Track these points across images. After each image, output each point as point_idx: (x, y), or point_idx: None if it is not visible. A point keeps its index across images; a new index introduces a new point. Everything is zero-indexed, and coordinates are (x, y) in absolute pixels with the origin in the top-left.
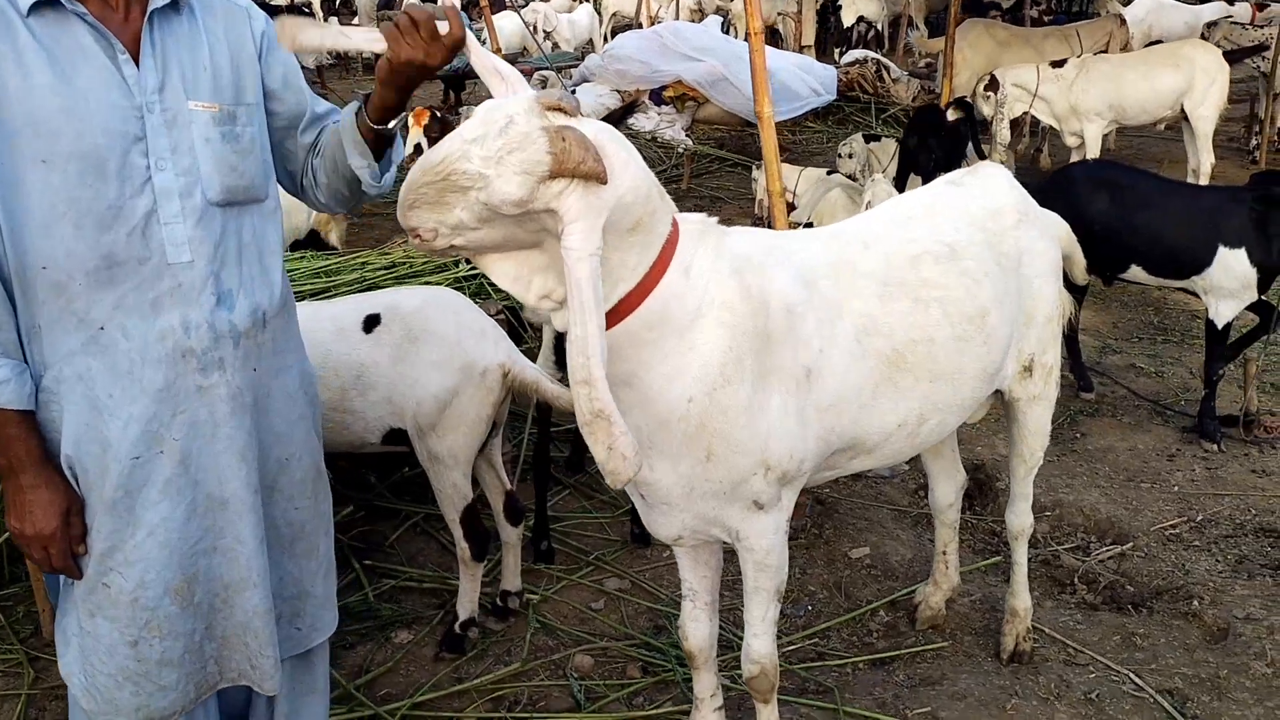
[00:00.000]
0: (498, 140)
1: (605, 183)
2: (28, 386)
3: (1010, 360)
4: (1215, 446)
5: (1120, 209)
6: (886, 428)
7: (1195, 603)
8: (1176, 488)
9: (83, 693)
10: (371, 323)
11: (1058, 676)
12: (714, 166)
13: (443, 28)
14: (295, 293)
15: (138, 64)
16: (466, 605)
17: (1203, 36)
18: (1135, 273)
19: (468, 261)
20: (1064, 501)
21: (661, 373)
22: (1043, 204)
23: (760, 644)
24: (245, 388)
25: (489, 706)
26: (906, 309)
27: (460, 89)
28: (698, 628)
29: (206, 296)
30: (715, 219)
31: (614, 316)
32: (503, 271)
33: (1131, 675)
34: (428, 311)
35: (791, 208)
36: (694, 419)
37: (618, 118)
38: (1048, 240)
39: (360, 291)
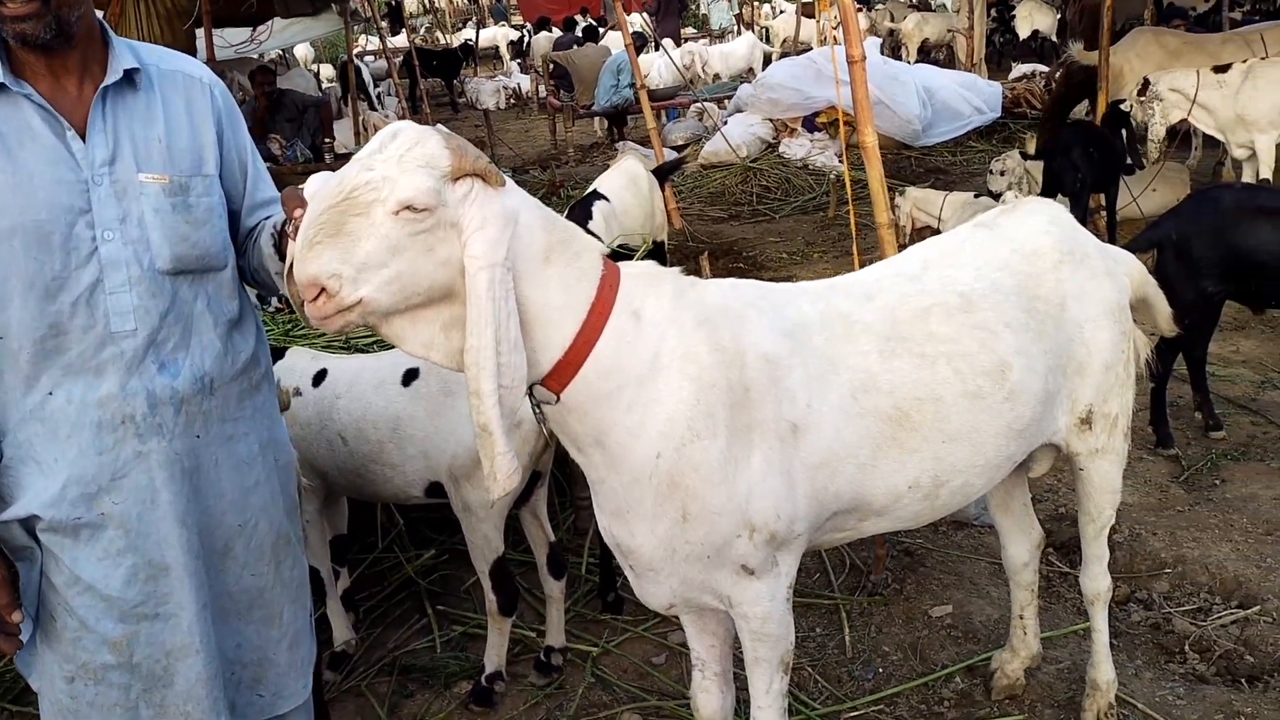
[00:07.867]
0: (393, 144)
1: (502, 184)
2: None
3: (1061, 413)
4: None
5: None
6: (894, 489)
7: None
8: None
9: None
10: (410, 376)
11: None
12: (864, 192)
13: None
14: None
15: (85, 139)
16: (494, 658)
17: None
18: None
19: None
20: (1187, 558)
21: (626, 427)
22: (1181, 229)
23: (766, 718)
24: (185, 453)
25: None
26: (910, 366)
27: (622, 124)
28: (708, 699)
29: (148, 363)
30: (678, 269)
31: (567, 370)
32: (415, 338)
33: None
34: None
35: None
36: (663, 476)
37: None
38: (1100, 280)
39: None
